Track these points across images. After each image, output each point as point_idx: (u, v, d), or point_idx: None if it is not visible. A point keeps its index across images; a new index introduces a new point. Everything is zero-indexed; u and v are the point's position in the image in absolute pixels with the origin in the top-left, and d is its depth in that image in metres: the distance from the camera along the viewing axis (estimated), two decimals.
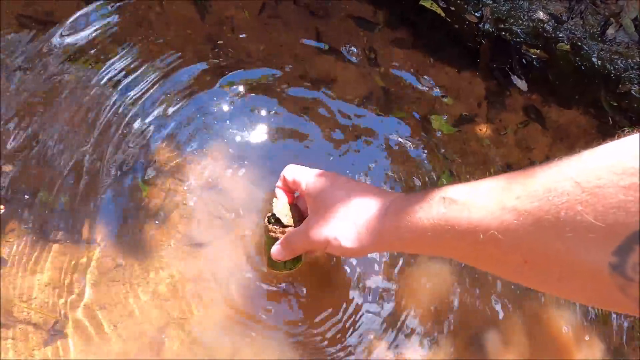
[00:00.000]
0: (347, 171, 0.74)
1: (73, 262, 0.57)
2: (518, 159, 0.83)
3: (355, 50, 0.85)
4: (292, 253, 0.54)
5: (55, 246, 0.57)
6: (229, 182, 0.68)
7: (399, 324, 0.64)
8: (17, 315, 0.53)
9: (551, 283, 0.34)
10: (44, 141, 0.64)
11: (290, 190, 0.57)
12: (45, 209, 0.59)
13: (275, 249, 0.55)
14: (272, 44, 0.81)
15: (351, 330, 0.62)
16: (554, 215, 0.30)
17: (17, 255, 0.56)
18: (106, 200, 0.62)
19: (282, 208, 0.55)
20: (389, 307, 0.65)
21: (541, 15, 0.97)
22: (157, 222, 0.62)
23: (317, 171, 0.54)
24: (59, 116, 0.66)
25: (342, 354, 0.60)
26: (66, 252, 0.57)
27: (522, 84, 0.90)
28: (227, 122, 0.73)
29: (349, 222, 0.48)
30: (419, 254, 0.68)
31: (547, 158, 0.85)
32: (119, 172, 0.64)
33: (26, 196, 0.59)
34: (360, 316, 0.63)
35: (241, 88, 0.76)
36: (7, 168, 0.60)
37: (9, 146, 0.62)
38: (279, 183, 0.58)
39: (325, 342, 0.60)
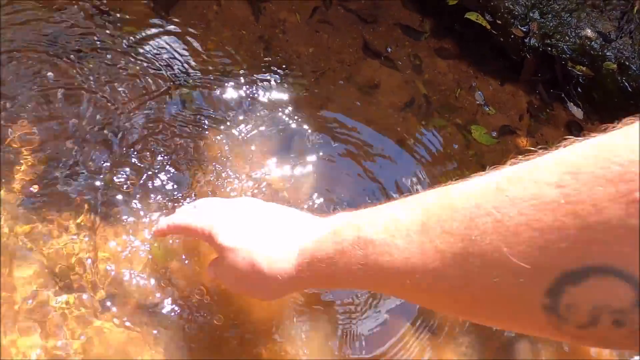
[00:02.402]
0: (379, 177, 0.76)
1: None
2: None
3: (400, 57, 0.87)
4: (173, 228, 0.52)
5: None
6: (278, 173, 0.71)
7: (429, 326, 0.65)
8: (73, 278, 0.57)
9: (486, 320, 0.33)
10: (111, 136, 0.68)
11: (173, 233, 0.57)
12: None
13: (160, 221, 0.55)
14: (321, 47, 0.84)
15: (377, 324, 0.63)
16: (479, 257, 0.29)
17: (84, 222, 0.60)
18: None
19: None
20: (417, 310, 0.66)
21: (589, 32, 0.96)
22: None
23: (213, 204, 0.52)
24: (123, 106, 0.70)
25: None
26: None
27: (577, 112, 0.90)
28: (270, 119, 0.76)
29: (247, 225, 0.46)
30: None
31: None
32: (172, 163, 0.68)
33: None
34: (383, 317, 0.64)
35: (286, 87, 0.79)
36: (71, 147, 0.65)
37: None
38: (158, 227, 0.55)
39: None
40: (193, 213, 0.52)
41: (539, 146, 0.81)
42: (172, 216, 0.54)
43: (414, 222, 0.33)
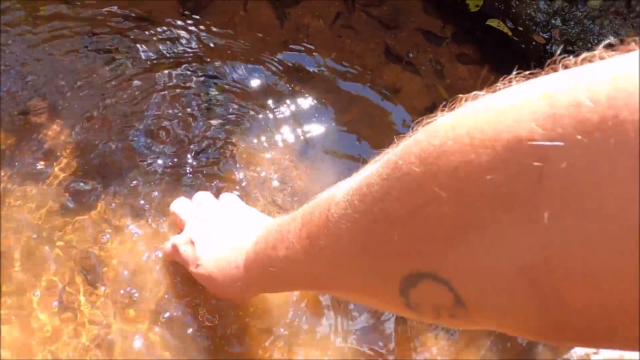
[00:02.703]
0: None
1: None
2: None
3: (422, 62, 0.88)
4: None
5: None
6: (295, 174, 0.73)
7: (448, 329, 0.65)
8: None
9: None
10: (135, 136, 0.71)
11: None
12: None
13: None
14: (343, 51, 0.86)
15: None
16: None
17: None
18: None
19: None
20: None
21: (612, 40, 0.96)
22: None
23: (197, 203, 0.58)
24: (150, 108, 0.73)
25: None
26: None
27: None
28: (294, 121, 0.77)
29: (216, 251, 0.51)
30: None
31: None
32: (198, 157, 0.70)
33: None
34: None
35: (308, 91, 0.81)
36: (106, 143, 0.68)
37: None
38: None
39: None
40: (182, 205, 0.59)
41: None
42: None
43: (297, 215, 0.39)
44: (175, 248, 0.55)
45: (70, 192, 0.63)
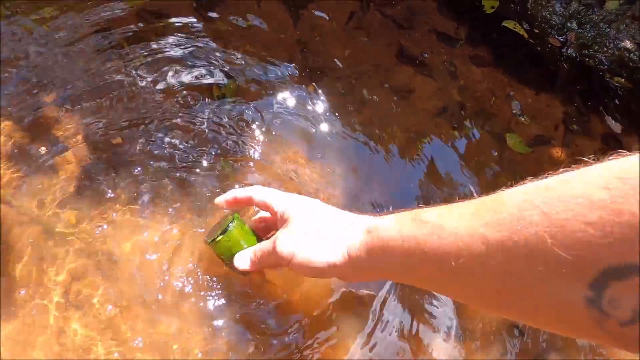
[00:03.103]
0: (410, 184, 0.76)
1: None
2: None
3: (435, 63, 0.88)
4: (256, 265, 0.54)
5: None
6: (304, 169, 0.72)
7: (459, 334, 0.65)
8: (121, 274, 0.59)
9: (528, 314, 0.33)
10: (145, 120, 0.70)
11: (240, 204, 0.58)
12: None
13: (239, 257, 0.55)
14: (357, 51, 0.85)
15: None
16: (524, 246, 0.30)
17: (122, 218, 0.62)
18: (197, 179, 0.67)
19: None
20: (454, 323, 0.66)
21: (628, 44, 0.95)
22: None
23: (288, 194, 0.55)
24: (162, 100, 0.73)
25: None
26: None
27: (616, 126, 0.88)
28: (305, 119, 0.77)
29: (317, 239, 0.48)
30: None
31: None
32: (212, 153, 0.70)
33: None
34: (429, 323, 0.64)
35: (321, 90, 0.80)
36: (117, 140, 0.67)
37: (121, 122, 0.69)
38: (230, 196, 0.57)
39: None
40: (271, 193, 0.55)
41: (575, 157, 0.80)
42: (251, 190, 0.57)
43: (467, 209, 0.36)
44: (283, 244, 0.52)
45: (80, 185, 0.63)
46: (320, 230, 0.49)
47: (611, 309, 0.26)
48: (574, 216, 0.27)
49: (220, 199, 0.58)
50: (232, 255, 0.55)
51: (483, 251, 0.33)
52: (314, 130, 0.76)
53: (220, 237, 0.55)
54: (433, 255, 0.37)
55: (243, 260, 0.55)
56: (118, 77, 0.73)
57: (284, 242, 0.50)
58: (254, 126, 0.74)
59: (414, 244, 0.39)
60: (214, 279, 0.61)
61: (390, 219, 0.44)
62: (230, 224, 0.56)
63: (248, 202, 0.57)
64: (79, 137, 0.67)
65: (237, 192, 0.57)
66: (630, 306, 0.26)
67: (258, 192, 0.56)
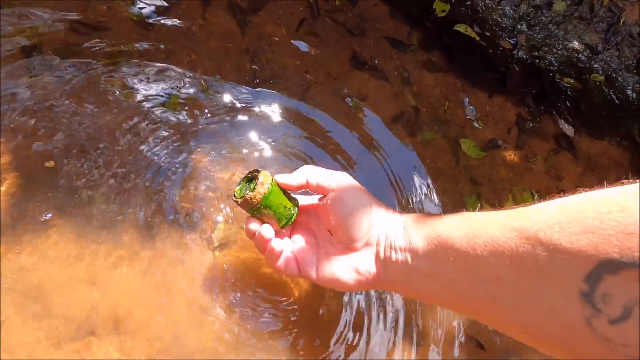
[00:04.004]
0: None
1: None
2: (547, 187, 0.83)
3: (388, 69, 0.87)
4: (304, 176, 0.52)
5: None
6: None
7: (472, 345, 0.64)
8: (52, 309, 0.55)
9: (521, 307, 0.34)
10: (81, 138, 0.66)
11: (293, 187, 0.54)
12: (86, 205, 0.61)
13: (284, 175, 0.53)
14: (308, 59, 0.83)
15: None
16: (534, 232, 0.32)
17: (55, 250, 0.58)
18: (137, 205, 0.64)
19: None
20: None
21: (576, 45, 0.97)
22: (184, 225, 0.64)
23: (340, 176, 0.52)
24: (102, 115, 0.69)
25: None
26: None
27: (568, 129, 0.89)
28: (257, 132, 0.74)
29: (366, 205, 0.50)
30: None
31: (577, 188, 0.84)
32: (150, 177, 0.66)
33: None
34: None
35: (274, 101, 0.78)
36: (50, 164, 0.63)
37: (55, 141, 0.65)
38: (294, 181, 0.53)
39: None
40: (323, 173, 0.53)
41: (529, 159, 0.81)
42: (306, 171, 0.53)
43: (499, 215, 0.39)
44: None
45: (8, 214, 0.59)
46: (371, 200, 0.50)
47: (602, 305, 0.27)
48: (587, 210, 0.30)
49: (293, 181, 0.53)
50: (272, 207, 0.52)
51: (496, 236, 0.36)
52: (268, 142, 0.74)
53: (259, 190, 0.51)
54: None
55: (290, 175, 0.52)
56: (39, 92, 0.68)
57: (341, 174, 0.52)
58: (202, 139, 0.71)
59: (472, 239, 0.40)
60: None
61: (435, 217, 0.46)
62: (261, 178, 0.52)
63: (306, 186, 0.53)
64: (6, 161, 0.62)
65: (297, 179, 0.53)
66: (621, 302, 0.26)
67: (312, 175, 0.52)
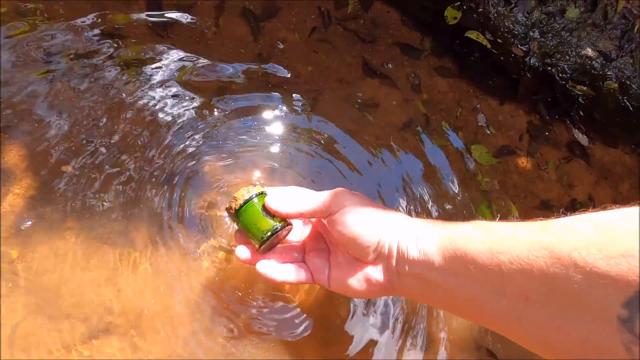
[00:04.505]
0: (382, 195, 0.75)
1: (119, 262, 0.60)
2: (559, 195, 0.82)
3: (399, 76, 0.87)
4: (294, 207, 0.48)
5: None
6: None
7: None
8: (66, 310, 0.56)
9: (550, 329, 0.33)
10: (96, 145, 0.68)
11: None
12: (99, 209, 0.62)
13: (275, 197, 0.49)
14: (319, 66, 0.84)
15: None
16: (568, 253, 0.31)
17: (69, 253, 0.59)
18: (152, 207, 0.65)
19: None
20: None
21: (589, 52, 0.96)
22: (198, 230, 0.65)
23: (335, 198, 0.49)
24: (116, 121, 0.70)
25: None
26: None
27: (582, 138, 0.88)
28: (271, 138, 0.75)
29: (372, 213, 0.46)
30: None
31: (590, 197, 0.83)
32: (164, 182, 0.67)
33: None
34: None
35: (285, 108, 0.78)
36: (67, 168, 0.64)
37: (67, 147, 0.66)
38: (283, 209, 0.50)
39: None
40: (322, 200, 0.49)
41: (541, 167, 0.80)
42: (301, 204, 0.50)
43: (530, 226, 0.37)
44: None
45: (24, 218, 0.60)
46: (373, 207, 0.47)
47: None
48: (620, 226, 0.29)
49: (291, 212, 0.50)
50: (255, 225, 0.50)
51: (527, 255, 0.34)
52: (274, 150, 0.74)
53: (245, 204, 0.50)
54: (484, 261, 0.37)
55: (283, 203, 0.48)
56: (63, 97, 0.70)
57: (336, 195, 0.47)
58: (205, 148, 0.72)
59: (494, 252, 0.38)
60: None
61: (453, 226, 0.43)
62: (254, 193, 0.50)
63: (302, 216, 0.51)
64: (24, 165, 0.63)
65: (285, 208, 0.50)
66: None
67: (303, 204, 0.49)
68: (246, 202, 0.50)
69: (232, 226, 0.65)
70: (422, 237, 0.44)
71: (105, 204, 0.63)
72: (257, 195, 0.50)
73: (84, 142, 0.67)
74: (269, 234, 0.49)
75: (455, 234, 0.41)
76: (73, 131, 0.67)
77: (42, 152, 0.65)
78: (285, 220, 0.51)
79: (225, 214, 0.65)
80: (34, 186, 0.62)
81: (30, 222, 0.60)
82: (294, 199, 0.49)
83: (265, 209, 0.50)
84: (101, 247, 0.60)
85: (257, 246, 0.50)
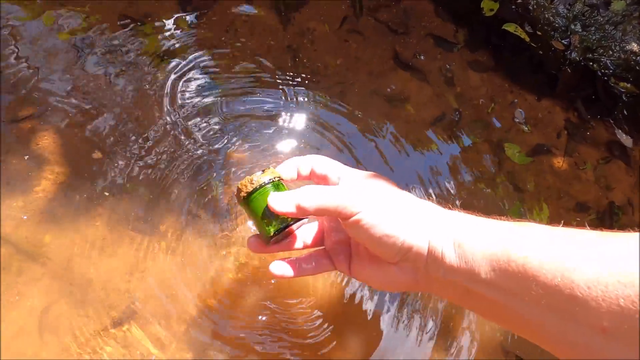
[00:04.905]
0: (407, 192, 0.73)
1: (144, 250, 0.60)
2: (596, 197, 0.78)
3: (431, 69, 0.84)
4: (304, 211, 0.39)
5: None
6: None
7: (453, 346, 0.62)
8: (95, 295, 0.57)
9: None
10: (126, 133, 0.68)
11: (300, 176, 0.46)
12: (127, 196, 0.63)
13: (278, 198, 0.40)
14: (349, 58, 0.82)
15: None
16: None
17: (99, 239, 0.60)
18: (179, 195, 0.65)
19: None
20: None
21: (635, 47, 0.91)
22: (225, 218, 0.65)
23: (351, 168, 0.44)
24: (146, 110, 0.70)
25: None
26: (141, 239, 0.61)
27: (626, 140, 0.84)
28: (297, 132, 0.74)
29: (395, 209, 0.38)
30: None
31: (629, 200, 0.79)
32: (191, 172, 0.67)
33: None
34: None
35: (313, 99, 0.77)
36: (98, 155, 0.65)
37: (102, 134, 0.67)
38: (292, 162, 0.45)
39: None
40: (334, 163, 0.44)
41: (579, 166, 0.77)
42: (312, 159, 0.45)
43: (586, 241, 0.32)
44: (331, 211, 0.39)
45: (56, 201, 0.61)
46: (399, 201, 0.39)
47: None
48: None
49: (285, 174, 0.45)
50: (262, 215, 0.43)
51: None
52: (305, 140, 0.74)
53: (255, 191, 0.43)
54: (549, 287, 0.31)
55: (284, 201, 0.40)
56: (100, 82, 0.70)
57: (354, 192, 0.38)
58: (235, 137, 0.71)
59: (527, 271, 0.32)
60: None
61: (492, 225, 0.36)
62: (266, 179, 0.43)
63: (310, 176, 0.45)
64: (57, 151, 0.65)
65: (299, 163, 0.44)
66: None
67: (320, 162, 0.43)
68: (255, 189, 0.42)
69: None
70: (463, 239, 0.36)
71: (134, 192, 0.64)
72: (270, 181, 0.43)
73: (116, 130, 0.68)
74: (277, 229, 0.43)
75: (508, 239, 0.34)
76: (105, 119, 0.68)
77: (74, 139, 0.66)
78: None
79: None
80: (66, 172, 0.63)
81: (62, 208, 0.61)
82: (301, 197, 0.40)
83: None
84: (129, 235, 0.61)
85: (265, 240, 0.44)
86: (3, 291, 0.55)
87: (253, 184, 0.42)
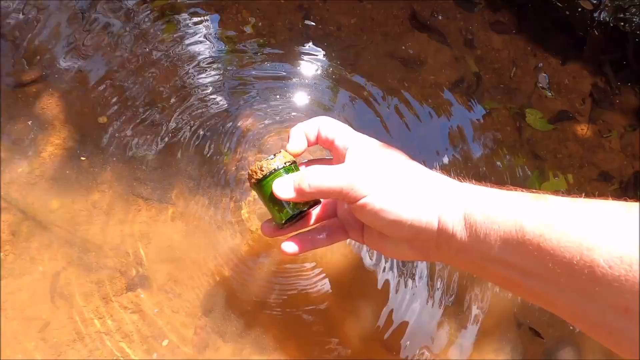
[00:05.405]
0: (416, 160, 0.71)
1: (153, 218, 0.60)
2: (620, 167, 0.75)
3: (450, 30, 0.80)
4: (304, 194, 0.38)
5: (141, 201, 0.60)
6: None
7: (469, 325, 0.61)
8: (104, 261, 0.56)
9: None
10: (133, 98, 0.66)
11: (310, 143, 0.43)
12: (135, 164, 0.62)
13: (281, 183, 0.39)
14: (363, 18, 0.78)
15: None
16: None
17: (106, 205, 0.59)
18: (186, 161, 0.63)
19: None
20: (466, 312, 0.62)
21: None
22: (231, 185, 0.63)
23: (359, 134, 0.41)
24: (154, 74, 0.68)
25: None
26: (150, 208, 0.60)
27: None
28: (309, 97, 0.71)
29: (403, 187, 0.36)
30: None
31: None
32: (200, 140, 0.66)
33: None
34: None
35: (325, 63, 0.74)
36: (104, 120, 0.64)
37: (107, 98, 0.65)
38: (299, 131, 0.42)
39: None
40: (341, 126, 0.42)
41: (603, 134, 0.73)
42: (318, 120, 0.42)
43: (608, 210, 0.30)
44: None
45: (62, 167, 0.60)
46: (407, 179, 0.37)
47: None
48: None
49: (295, 147, 0.42)
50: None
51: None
52: (318, 103, 0.71)
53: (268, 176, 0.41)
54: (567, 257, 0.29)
55: (285, 186, 0.39)
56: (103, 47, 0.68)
57: (360, 173, 0.36)
58: (245, 104, 0.69)
59: (544, 239, 0.30)
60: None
61: (502, 196, 0.34)
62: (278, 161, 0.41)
63: (316, 140, 0.43)
64: (62, 115, 0.63)
65: (306, 128, 0.42)
66: None
67: (325, 125, 0.41)
68: (266, 177, 0.41)
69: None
70: (475, 215, 0.34)
71: (142, 157, 0.63)
72: (282, 167, 0.41)
73: (122, 94, 0.66)
74: (289, 216, 0.41)
75: (524, 213, 0.31)
76: (110, 83, 0.66)
77: (80, 103, 0.64)
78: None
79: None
80: (73, 137, 0.62)
81: (69, 173, 0.60)
82: (302, 180, 0.38)
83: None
84: (137, 201, 0.60)
85: (278, 226, 0.43)
86: (17, 256, 0.55)
87: (263, 170, 0.41)
